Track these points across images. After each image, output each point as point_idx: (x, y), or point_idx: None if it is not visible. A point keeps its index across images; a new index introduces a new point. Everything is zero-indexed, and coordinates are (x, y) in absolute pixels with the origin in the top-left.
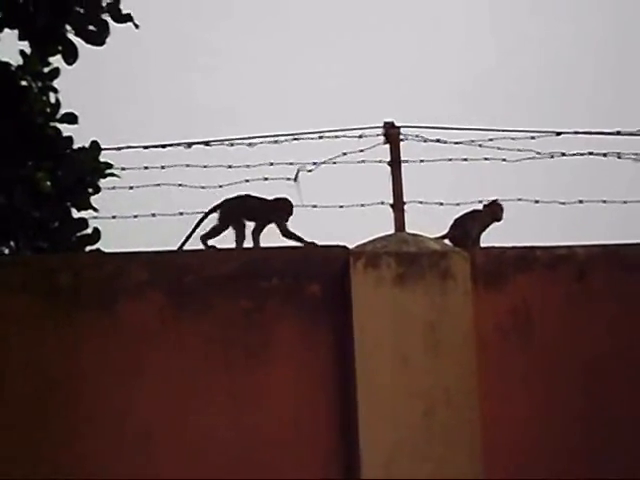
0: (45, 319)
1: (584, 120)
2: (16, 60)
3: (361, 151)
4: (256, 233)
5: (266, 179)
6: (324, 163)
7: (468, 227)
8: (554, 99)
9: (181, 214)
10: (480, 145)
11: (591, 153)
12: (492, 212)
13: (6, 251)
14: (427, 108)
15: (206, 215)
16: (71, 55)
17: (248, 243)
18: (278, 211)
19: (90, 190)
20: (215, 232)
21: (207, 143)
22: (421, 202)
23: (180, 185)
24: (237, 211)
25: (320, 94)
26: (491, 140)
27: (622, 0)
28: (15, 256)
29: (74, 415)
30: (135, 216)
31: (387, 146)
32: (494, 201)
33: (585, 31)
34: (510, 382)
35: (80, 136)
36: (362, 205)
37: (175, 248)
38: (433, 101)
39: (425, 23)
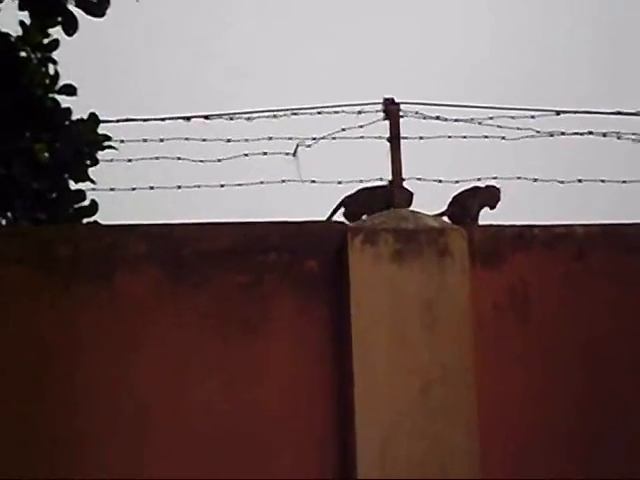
0: (42, 291)
1: (584, 100)
2: (16, 31)
3: (360, 127)
4: None
5: (265, 154)
6: (323, 138)
7: (467, 205)
8: (554, 79)
9: (179, 187)
10: (479, 123)
11: (591, 133)
12: (490, 195)
13: (3, 222)
14: (426, 86)
15: (332, 214)
16: (71, 26)
17: None
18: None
19: (88, 162)
20: None
21: (206, 117)
22: (419, 179)
23: (179, 158)
24: (359, 207)
25: (319, 70)
26: (491, 118)
27: None
28: (12, 227)
29: (70, 388)
30: (133, 189)
31: (386, 122)
32: (492, 186)
33: (586, 12)
34: (507, 360)
35: (84, 108)
36: (361, 181)
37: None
38: (433, 79)
39: (427, 2)
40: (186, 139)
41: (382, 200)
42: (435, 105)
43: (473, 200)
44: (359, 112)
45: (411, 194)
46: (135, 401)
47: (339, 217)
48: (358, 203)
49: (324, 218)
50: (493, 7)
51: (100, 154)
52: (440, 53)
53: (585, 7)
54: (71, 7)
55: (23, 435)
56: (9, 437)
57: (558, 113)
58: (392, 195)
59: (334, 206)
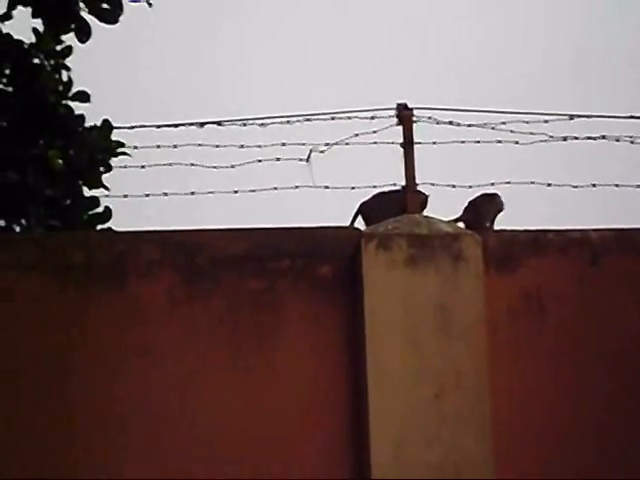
0: (56, 297)
1: (597, 104)
2: (29, 38)
3: (374, 132)
4: None
5: (278, 159)
6: (336, 144)
7: (483, 210)
8: (567, 82)
9: (193, 194)
10: (493, 128)
11: (604, 137)
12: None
13: (17, 229)
14: (437, 91)
15: (353, 221)
16: (84, 33)
17: None
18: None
19: (102, 169)
20: None
21: (219, 123)
22: (433, 184)
23: (192, 164)
24: (378, 212)
25: (332, 76)
26: (504, 123)
27: None
28: (27, 234)
29: (85, 393)
30: (147, 195)
31: (400, 128)
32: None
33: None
34: (521, 366)
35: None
36: (374, 187)
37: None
38: (444, 84)
39: (437, 6)
40: (199, 145)
41: (399, 204)
42: (448, 110)
43: (489, 205)
44: (372, 117)
45: (426, 197)
46: (149, 406)
47: (359, 223)
48: (374, 208)
49: (340, 225)
50: (506, 8)
51: (114, 160)
52: (452, 56)
53: (600, 5)
54: (84, 14)
55: (37, 438)
56: (24, 440)
57: (572, 117)
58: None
59: (353, 214)
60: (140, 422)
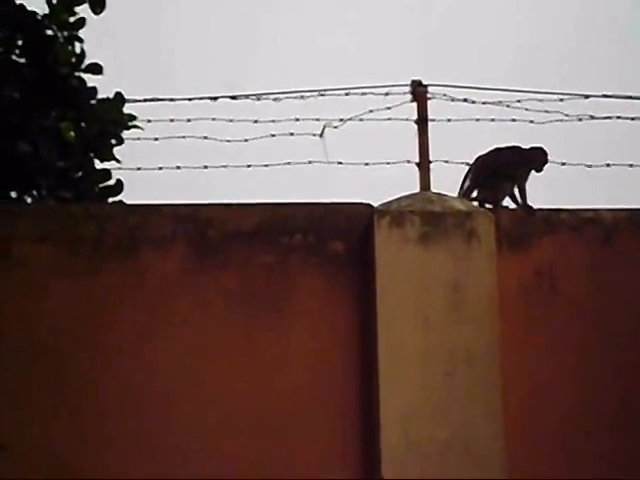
0: (67, 269)
1: (612, 84)
2: (42, 9)
3: (388, 109)
4: (509, 190)
5: (292, 134)
6: (350, 120)
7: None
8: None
9: (206, 167)
10: (508, 106)
11: (619, 117)
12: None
13: (29, 200)
14: (454, 68)
15: (465, 178)
16: (98, 4)
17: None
18: (532, 163)
19: (113, 141)
20: (467, 194)
21: (233, 97)
22: (447, 161)
23: (205, 138)
24: (488, 168)
25: (346, 51)
26: (519, 101)
27: None
28: (38, 206)
29: (95, 366)
30: (160, 168)
31: (414, 104)
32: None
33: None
34: (532, 344)
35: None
36: (388, 163)
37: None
38: (460, 61)
39: None
40: (213, 119)
41: (519, 159)
42: (463, 87)
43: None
44: (386, 94)
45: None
46: (159, 379)
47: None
48: (490, 162)
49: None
50: None
51: (127, 133)
52: (469, 35)
53: None
54: None
55: (46, 410)
56: (30, 412)
57: (587, 97)
58: (529, 155)
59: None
60: (150, 392)
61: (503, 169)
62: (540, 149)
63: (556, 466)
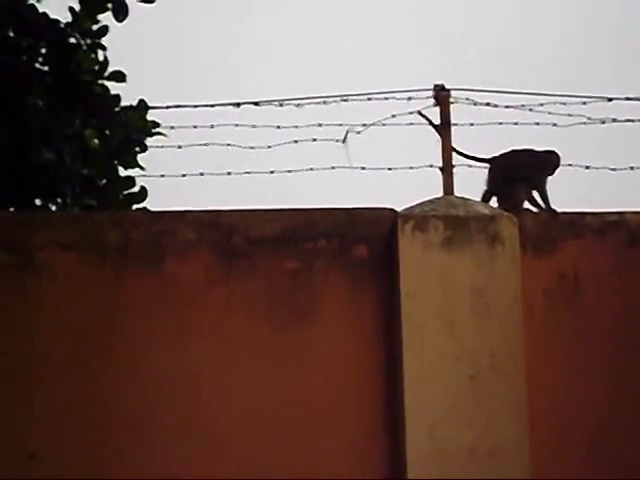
0: (92, 277)
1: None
2: (65, 17)
3: (410, 113)
4: (527, 194)
5: (315, 140)
6: (373, 125)
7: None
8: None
9: (229, 174)
10: (530, 109)
11: None
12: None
13: (53, 208)
14: (476, 73)
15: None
16: (121, 12)
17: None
18: (548, 167)
19: (137, 149)
20: (486, 199)
21: (256, 103)
22: (470, 166)
23: (229, 145)
24: (505, 172)
25: (369, 56)
26: (542, 105)
27: None
28: (63, 213)
29: (121, 374)
30: (183, 175)
31: (437, 109)
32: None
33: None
34: (557, 348)
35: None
36: (411, 168)
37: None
38: (483, 65)
39: None
40: (236, 125)
41: (535, 162)
42: (486, 91)
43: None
44: (409, 98)
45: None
46: (185, 385)
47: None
48: (504, 165)
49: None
50: None
51: (151, 140)
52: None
53: None
54: None
55: (74, 418)
56: (59, 420)
57: (610, 100)
58: (545, 158)
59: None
60: (175, 400)
61: (520, 173)
62: (554, 152)
63: (581, 470)
